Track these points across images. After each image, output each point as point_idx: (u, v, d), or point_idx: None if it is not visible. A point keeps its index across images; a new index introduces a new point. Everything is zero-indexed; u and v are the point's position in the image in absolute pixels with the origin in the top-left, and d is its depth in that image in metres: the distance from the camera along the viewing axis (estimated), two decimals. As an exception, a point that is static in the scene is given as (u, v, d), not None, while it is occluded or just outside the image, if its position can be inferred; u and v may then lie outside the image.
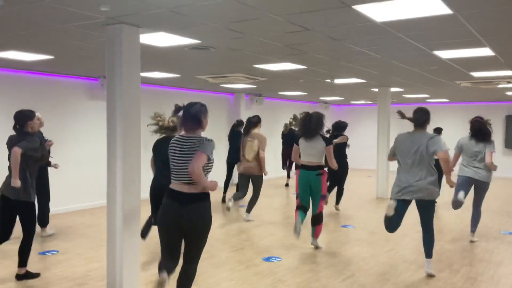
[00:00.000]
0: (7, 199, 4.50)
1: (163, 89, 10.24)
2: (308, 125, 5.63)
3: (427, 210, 4.76)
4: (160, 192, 3.81)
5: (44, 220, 6.26)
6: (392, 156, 5.01)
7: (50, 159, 5.98)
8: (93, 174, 8.20)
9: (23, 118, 4.60)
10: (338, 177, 8.12)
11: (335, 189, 8.38)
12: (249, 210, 7.49)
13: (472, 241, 6.21)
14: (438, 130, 9.08)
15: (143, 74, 7.86)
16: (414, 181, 4.63)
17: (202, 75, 8.21)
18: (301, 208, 5.65)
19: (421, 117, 4.77)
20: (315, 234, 5.79)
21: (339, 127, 8.28)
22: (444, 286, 4.50)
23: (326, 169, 5.82)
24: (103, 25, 4.21)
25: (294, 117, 11.00)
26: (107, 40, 4.27)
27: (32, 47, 5.48)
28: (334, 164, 5.78)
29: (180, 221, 3.32)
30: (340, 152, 7.72)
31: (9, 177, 4.49)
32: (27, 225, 4.56)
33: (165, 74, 8.02)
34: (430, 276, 4.77)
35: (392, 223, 4.83)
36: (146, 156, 5.03)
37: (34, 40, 5.04)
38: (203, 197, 3.34)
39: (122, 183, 4.18)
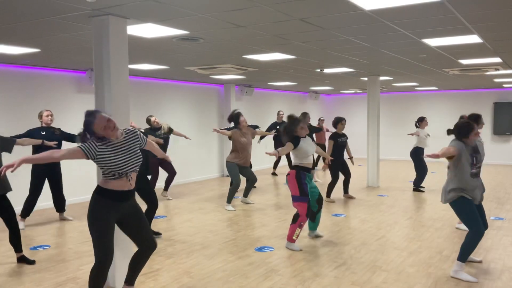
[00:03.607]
0: None
1: (152, 81, 10.18)
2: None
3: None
4: None
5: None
6: None
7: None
8: (81, 169, 8.15)
9: None
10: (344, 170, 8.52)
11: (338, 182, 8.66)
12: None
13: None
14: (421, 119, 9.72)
15: (131, 66, 7.79)
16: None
17: (191, 67, 8.16)
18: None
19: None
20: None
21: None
22: (434, 272, 4.55)
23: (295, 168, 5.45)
24: (89, 16, 4.16)
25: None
26: (94, 32, 4.22)
27: (18, 40, 5.40)
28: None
29: None
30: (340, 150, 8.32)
31: None
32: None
33: (154, 65, 7.96)
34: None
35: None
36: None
37: (20, 33, 4.97)
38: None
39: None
